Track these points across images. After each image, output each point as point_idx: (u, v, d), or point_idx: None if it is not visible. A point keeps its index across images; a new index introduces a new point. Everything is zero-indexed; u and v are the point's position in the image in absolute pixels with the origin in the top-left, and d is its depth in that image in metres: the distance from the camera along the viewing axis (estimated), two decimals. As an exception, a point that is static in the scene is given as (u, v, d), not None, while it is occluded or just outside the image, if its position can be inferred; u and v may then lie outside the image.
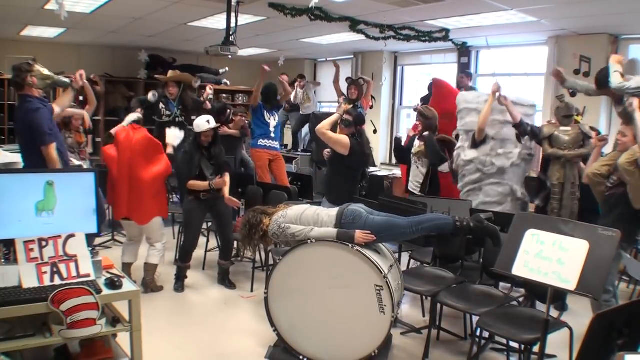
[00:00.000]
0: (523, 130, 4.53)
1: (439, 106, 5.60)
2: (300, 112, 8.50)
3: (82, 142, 5.46)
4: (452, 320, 3.85)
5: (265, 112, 6.35)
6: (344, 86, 6.87)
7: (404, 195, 5.11)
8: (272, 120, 6.39)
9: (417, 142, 4.88)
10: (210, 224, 5.02)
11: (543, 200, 4.51)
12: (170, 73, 6.25)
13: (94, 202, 2.43)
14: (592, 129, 4.73)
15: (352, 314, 3.01)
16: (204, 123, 4.30)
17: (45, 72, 3.76)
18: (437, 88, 5.86)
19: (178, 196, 6.94)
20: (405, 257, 4.38)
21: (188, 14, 5.88)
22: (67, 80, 4.00)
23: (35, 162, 3.72)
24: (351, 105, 6.60)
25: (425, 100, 7.13)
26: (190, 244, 4.47)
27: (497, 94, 4.54)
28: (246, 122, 7.30)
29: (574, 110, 4.45)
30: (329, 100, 9.10)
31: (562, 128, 4.34)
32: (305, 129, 8.71)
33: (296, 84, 8.37)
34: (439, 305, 3.41)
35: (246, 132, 6.67)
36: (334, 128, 4.54)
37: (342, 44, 7.53)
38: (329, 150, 4.58)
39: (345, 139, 4.36)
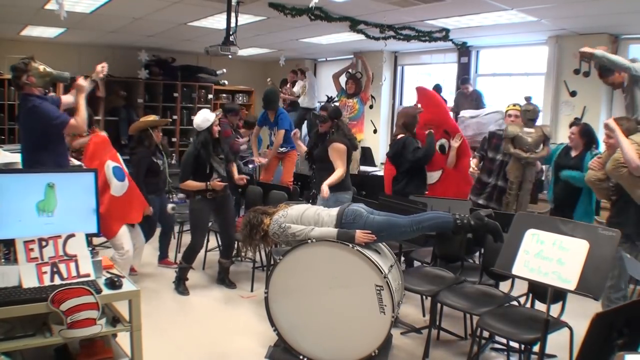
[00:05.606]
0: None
1: (423, 116, 5.48)
2: (300, 105, 8.46)
3: None
4: (452, 320, 3.85)
5: (267, 125, 6.25)
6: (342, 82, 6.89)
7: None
8: (273, 135, 6.32)
9: None
10: (209, 224, 5.01)
11: (486, 199, 4.80)
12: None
13: (94, 202, 2.42)
14: (576, 119, 4.90)
15: (352, 313, 3.01)
16: (210, 115, 4.32)
17: (42, 68, 3.67)
18: (421, 97, 5.67)
19: (178, 196, 6.93)
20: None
21: (188, 14, 5.87)
22: (67, 74, 3.94)
23: (34, 166, 3.65)
24: (335, 101, 6.62)
25: None
26: (199, 245, 4.47)
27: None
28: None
29: (538, 114, 4.70)
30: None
31: (525, 129, 4.55)
32: (304, 129, 8.69)
33: (298, 77, 8.37)
34: (439, 305, 3.42)
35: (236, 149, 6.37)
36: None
37: (342, 44, 7.52)
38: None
39: (337, 149, 4.22)
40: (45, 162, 3.63)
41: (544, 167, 5.21)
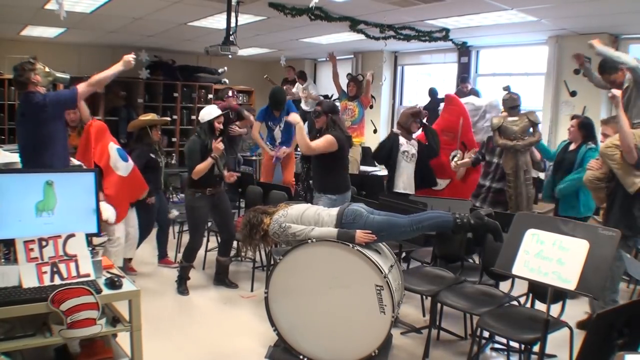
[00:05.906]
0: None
1: (445, 122, 5.66)
2: (302, 107, 8.45)
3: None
4: (452, 320, 3.85)
5: (270, 120, 6.24)
6: (344, 84, 6.86)
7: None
8: (277, 129, 6.28)
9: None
10: (209, 223, 5.01)
11: (480, 202, 4.89)
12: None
13: (94, 201, 2.42)
14: (576, 116, 4.95)
15: (353, 313, 3.01)
16: (215, 110, 4.39)
17: (46, 69, 3.72)
18: (449, 105, 5.84)
19: (179, 196, 6.93)
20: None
21: (188, 14, 5.88)
22: (66, 76, 3.97)
23: (36, 167, 3.64)
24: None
25: (427, 108, 7.14)
26: (199, 242, 4.48)
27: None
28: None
29: (519, 101, 4.79)
30: (329, 100, 9.10)
31: (509, 119, 4.69)
32: (305, 128, 8.69)
33: (296, 82, 8.39)
34: (439, 305, 3.42)
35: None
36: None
37: (342, 44, 7.53)
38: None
39: (328, 139, 4.13)
40: (47, 163, 3.62)
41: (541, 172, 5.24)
